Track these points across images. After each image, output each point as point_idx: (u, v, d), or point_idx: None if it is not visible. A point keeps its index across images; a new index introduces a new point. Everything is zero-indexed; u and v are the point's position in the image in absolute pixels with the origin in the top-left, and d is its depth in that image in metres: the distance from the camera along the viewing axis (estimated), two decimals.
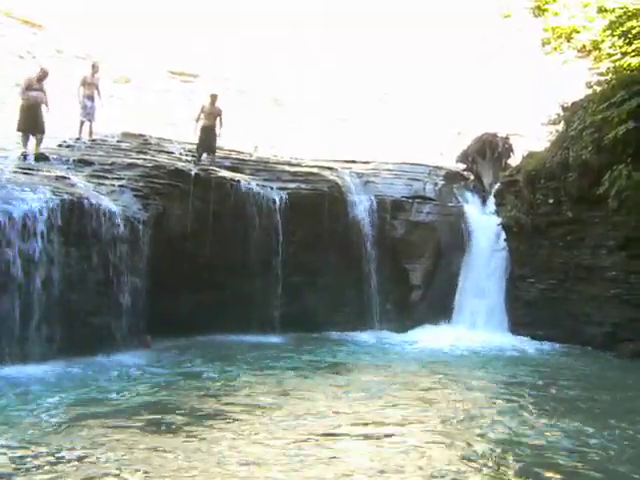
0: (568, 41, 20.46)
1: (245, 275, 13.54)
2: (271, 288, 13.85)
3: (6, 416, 6.87)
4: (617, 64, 14.19)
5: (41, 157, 12.57)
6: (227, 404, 7.72)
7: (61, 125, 14.02)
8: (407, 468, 5.59)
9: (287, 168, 15.50)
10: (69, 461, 5.50)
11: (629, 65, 13.67)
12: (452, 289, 15.54)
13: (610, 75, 14.18)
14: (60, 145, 14.00)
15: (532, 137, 18.56)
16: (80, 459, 5.54)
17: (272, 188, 14.35)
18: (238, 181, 13.90)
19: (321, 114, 22.70)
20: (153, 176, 12.78)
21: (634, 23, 13.97)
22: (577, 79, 17.56)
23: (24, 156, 12.50)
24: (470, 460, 5.86)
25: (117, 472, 5.26)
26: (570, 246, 13.90)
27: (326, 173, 15.56)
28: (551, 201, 14.22)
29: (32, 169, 11.80)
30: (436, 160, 18.61)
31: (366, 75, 23.78)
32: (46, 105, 12.81)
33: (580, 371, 11.03)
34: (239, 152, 16.14)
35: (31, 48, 19.66)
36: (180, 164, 13.70)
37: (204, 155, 14.61)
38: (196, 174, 13.31)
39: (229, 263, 13.32)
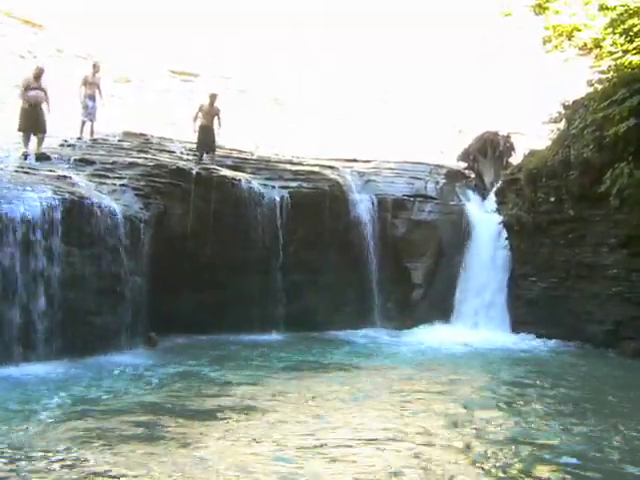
0: (569, 39, 20.47)
1: (246, 274, 13.54)
2: (272, 287, 13.86)
3: (3, 416, 6.86)
4: (618, 62, 14.17)
5: (42, 157, 12.56)
6: (223, 406, 7.63)
7: (62, 125, 14.02)
8: (408, 471, 5.50)
9: (288, 167, 15.50)
10: (60, 462, 5.47)
11: (630, 63, 13.65)
12: (453, 288, 15.53)
13: (611, 73, 14.16)
14: (61, 145, 14.01)
15: (533, 135, 18.55)
16: (68, 460, 5.51)
17: (273, 187, 14.36)
18: (239, 180, 13.90)
19: (322, 113, 22.69)
20: (154, 175, 12.79)
21: (635, 21, 13.96)
22: (578, 77, 17.55)
23: (25, 156, 12.50)
24: (475, 463, 5.80)
25: (106, 474, 5.21)
26: (571, 244, 13.89)
27: (327, 172, 15.56)
28: (552, 199, 14.20)
29: (33, 169, 11.80)
30: (437, 159, 18.60)
31: (366, 74, 23.76)
32: (47, 103, 12.79)
33: (583, 370, 10.99)
34: (240, 151, 16.13)
35: (32, 48, 19.64)
36: (181, 163, 13.70)
37: (205, 155, 14.60)
38: (197, 173, 13.31)
39: (230, 262, 13.32)
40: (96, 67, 15.17)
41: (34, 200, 10.11)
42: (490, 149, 17.57)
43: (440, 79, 23.23)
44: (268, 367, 10.32)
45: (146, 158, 13.57)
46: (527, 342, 13.66)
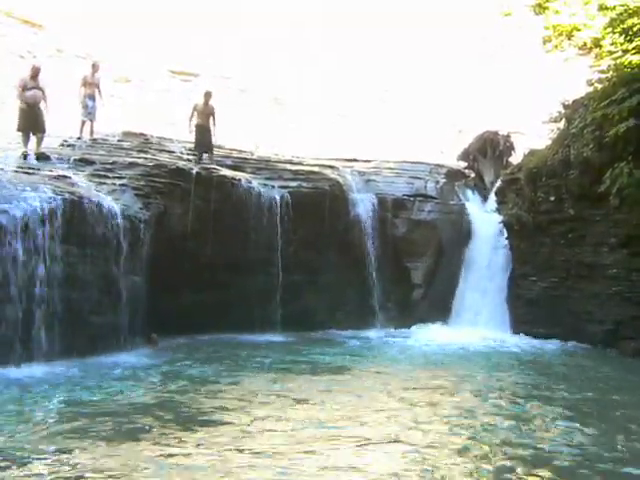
0: (569, 39, 20.50)
1: (246, 274, 13.54)
2: (272, 287, 13.84)
3: None
4: (618, 62, 14.16)
5: (42, 156, 12.56)
6: (217, 407, 7.58)
7: (62, 124, 14.01)
8: (408, 475, 5.48)
9: (288, 167, 15.49)
10: (49, 465, 5.46)
11: (630, 63, 13.64)
12: (453, 287, 15.54)
13: (611, 73, 14.16)
14: (61, 145, 14.00)
15: (533, 135, 18.55)
16: (58, 462, 5.50)
17: (273, 187, 14.36)
18: (239, 180, 13.90)
19: (322, 113, 22.68)
20: (154, 175, 12.79)
21: (635, 20, 13.95)
22: (578, 77, 17.58)
23: (25, 156, 12.49)
24: (475, 465, 5.77)
25: (88, 477, 5.20)
26: (571, 244, 13.88)
27: (327, 172, 15.56)
28: (552, 199, 14.21)
29: (33, 168, 11.80)
30: (437, 158, 18.61)
31: (366, 74, 23.76)
32: (45, 102, 12.78)
33: (583, 370, 10.97)
34: (240, 151, 16.13)
35: (31, 48, 19.64)
36: (181, 163, 13.70)
37: (204, 155, 14.58)
38: (197, 173, 13.31)
39: (230, 262, 13.32)
40: (95, 67, 15.15)
41: (34, 200, 10.10)
42: (490, 149, 17.58)
43: (440, 79, 23.23)
44: (266, 368, 10.29)
45: (146, 158, 13.57)
46: (527, 342, 13.64)
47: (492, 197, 16.68)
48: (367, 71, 23.73)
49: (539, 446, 6.34)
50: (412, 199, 16.09)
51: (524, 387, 9.35)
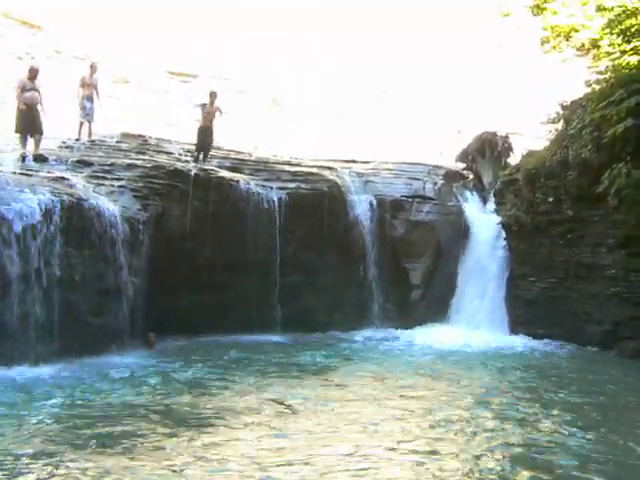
0: (567, 40, 20.52)
1: (245, 275, 13.53)
2: (271, 288, 13.83)
3: None
4: (616, 62, 14.21)
5: (40, 158, 12.56)
6: (214, 411, 7.57)
7: (60, 126, 14.00)
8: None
9: (287, 168, 15.49)
10: (37, 467, 5.47)
11: (628, 63, 13.69)
12: (452, 288, 15.52)
13: (609, 73, 14.21)
14: (60, 146, 14.00)
15: (532, 136, 18.57)
16: (48, 465, 5.52)
17: (272, 188, 14.34)
18: (237, 181, 13.89)
19: (320, 114, 22.67)
20: (152, 176, 12.78)
21: (633, 21, 13.99)
22: (576, 77, 17.60)
23: (23, 157, 12.49)
24: (476, 469, 5.76)
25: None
26: (570, 244, 13.89)
27: (326, 173, 15.55)
28: (551, 200, 14.21)
29: (31, 170, 11.79)
30: (436, 159, 18.59)
31: (365, 75, 23.76)
32: (41, 104, 12.78)
33: (583, 371, 10.99)
34: (238, 152, 16.13)
35: (30, 49, 19.62)
36: (179, 164, 13.70)
37: (200, 155, 14.59)
38: (195, 174, 13.30)
39: (229, 263, 13.31)
40: (93, 68, 15.16)
41: (32, 202, 10.10)
42: (488, 149, 17.56)
43: (439, 79, 23.24)
44: (264, 370, 10.25)
45: (144, 159, 13.57)
46: (526, 342, 13.63)
47: (491, 198, 16.66)
48: (366, 72, 23.73)
49: (539, 448, 6.34)
50: (410, 200, 16.07)
51: (523, 388, 9.36)
